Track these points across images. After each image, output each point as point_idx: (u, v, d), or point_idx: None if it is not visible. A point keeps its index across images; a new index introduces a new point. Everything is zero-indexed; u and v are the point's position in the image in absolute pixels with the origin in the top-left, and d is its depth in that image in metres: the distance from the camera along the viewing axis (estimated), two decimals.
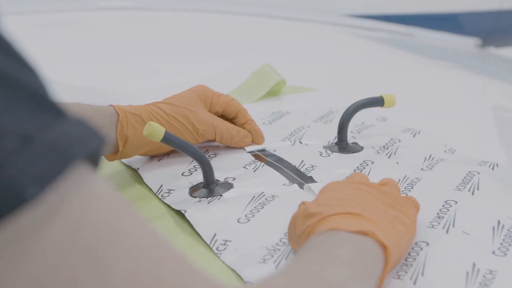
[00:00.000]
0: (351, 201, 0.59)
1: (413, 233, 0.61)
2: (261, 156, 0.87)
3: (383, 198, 0.61)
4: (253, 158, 0.86)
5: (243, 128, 0.89)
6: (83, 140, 0.34)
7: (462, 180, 0.77)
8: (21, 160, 0.31)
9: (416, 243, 0.63)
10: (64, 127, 0.34)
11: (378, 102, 0.90)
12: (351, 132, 0.92)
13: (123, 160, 0.87)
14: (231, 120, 0.89)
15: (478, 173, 0.79)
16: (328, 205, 0.59)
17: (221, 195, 0.75)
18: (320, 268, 0.50)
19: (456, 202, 0.71)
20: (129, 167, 0.86)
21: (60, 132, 0.33)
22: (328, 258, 0.51)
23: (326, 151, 0.88)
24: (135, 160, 0.87)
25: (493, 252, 0.62)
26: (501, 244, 0.63)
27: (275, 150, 0.89)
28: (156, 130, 0.72)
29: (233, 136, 0.86)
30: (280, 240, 0.65)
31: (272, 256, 0.63)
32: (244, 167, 0.83)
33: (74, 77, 1.25)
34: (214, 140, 0.87)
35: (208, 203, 0.74)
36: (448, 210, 0.70)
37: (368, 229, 0.54)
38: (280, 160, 0.86)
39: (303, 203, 0.64)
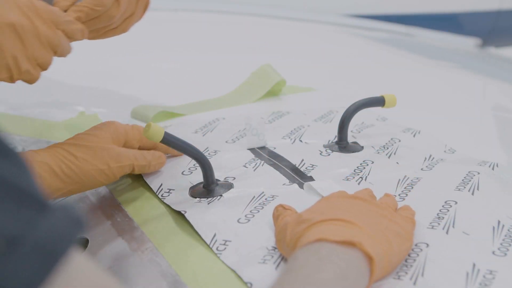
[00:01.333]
0: (343, 210, 0.59)
1: (408, 244, 0.61)
2: (261, 154, 0.87)
3: (378, 210, 0.61)
4: (253, 156, 0.86)
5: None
6: (68, 234, 0.34)
7: (462, 180, 0.77)
8: (9, 265, 0.31)
9: (416, 244, 0.63)
10: (49, 221, 0.33)
11: (379, 102, 0.90)
12: (351, 131, 0.92)
13: None
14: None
15: (478, 173, 0.79)
16: (319, 212, 0.59)
17: (221, 195, 0.75)
18: None
19: (456, 202, 0.71)
20: None
21: (45, 229, 0.33)
22: (312, 284, 0.51)
23: (326, 150, 0.88)
24: None
25: (493, 252, 0.62)
26: (501, 244, 0.63)
27: (275, 148, 0.89)
28: (156, 132, 0.71)
29: (150, 161, 0.80)
30: None
31: (272, 256, 0.63)
32: (244, 166, 0.83)
33: (74, 77, 1.25)
34: (132, 172, 0.80)
35: (208, 203, 0.74)
36: (448, 210, 0.70)
37: (355, 239, 0.54)
38: (280, 158, 0.86)
39: (281, 206, 0.65)
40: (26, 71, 0.70)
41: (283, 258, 0.62)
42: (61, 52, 0.74)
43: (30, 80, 0.74)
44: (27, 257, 0.31)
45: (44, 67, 0.73)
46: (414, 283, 0.58)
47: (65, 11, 0.77)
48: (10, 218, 0.32)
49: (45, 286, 0.32)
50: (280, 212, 0.65)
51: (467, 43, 2.21)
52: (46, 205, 0.34)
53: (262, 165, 0.84)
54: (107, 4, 0.78)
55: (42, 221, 0.33)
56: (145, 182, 0.81)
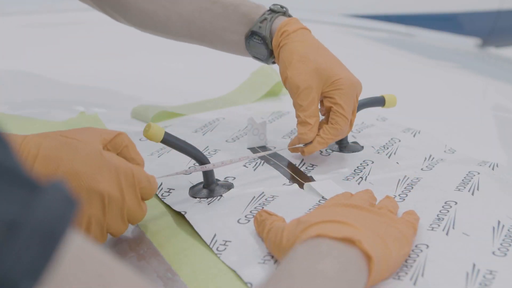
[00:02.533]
0: (342, 215, 0.59)
1: (407, 249, 0.60)
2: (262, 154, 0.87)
3: (376, 217, 0.61)
4: (253, 156, 0.86)
5: None
6: (64, 213, 0.33)
7: (462, 180, 0.77)
8: (11, 252, 0.30)
9: (416, 246, 0.63)
10: (43, 201, 0.32)
11: (379, 102, 0.90)
12: (351, 131, 0.92)
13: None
14: None
15: (478, 173, 0.79)
16: (318, 216, 0.59)
17: (221, 196, 0.75)
18: (303, 286, 0.50)
19: (456, 203, 0.71)
20: None
21: (41, 210, 0.32)
22: (312, 274, 0.51)
23: (326, 150, 0.88)
24: None
25: (493, 253, 0.62)
26: (501, 244, 0.63)
27: (275, 147, 0.89)
28: (156, 132, 0.71)
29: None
30: None
31: (272, 256, 0.63)
32: (244, 166, 0.83)
33: (74, 77, 1.25)
34: None
35: (208, 204, 0.74)
36: (448, 211, 0.70)
37: (354, 237, 0.54)
38: (280, 158, 0.86)
39: (265, 211, 0.66)
40: (93, 238, 0.64)
41: None
42: (137, 222, 0.68)
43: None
44: (28, 242, 0.31)
45: (114, 236, 0.66)
46: (414, 283, 0.57)
47: (311, 142, 0.82)
48: (4, 201, 0.31)
49: (49, 269, 0.31)
50: (265, 217, 0.66)
51: (467, 43, 2.21)
52: (37, 184, 0.33)
53: (262, 165, 0.84)
54: (347, 131, 0.84)
55: (36, 201, 0.32)
56: None
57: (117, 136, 0.66)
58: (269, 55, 0.88)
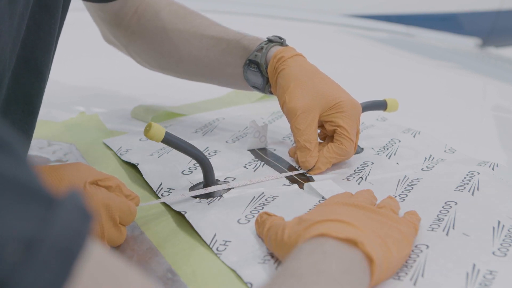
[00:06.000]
0: (343, 215, 0.59)
1: (408, 251, 0.60)
2: (262, 155, 0.87)
3: (378, 217, 0.61)
4: (253, 157, 0.86)
5: None
6: (81, 227, 0.33)
7: (462, 180, 0.77)
8: (29, 271, 0.29)
9: (416, 246, 0.63)
10: (60, 217, 0.32)
11: (381, 105, 0.90)
12: None
13: (122, 158, 0.87)
14: None
15: (478, 173, 0.79)
16: (320, 214, 0.59)
17: (221, 196, 0.75)
18: (307, 285, 0.50)
19: (456, 203, 0.71)
20: (127, 163, 0.86)
21: (58, 226, 0.31)
22: (316, 273, 0.51)
23: None
24: (134, 155, 0.87)
25: (493, 253, 0.62)
26: (501, 244, 0.63)
27: (275, 150, 0.89)
28: (156, 131, 0.71)
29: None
30: None
31: (272, 256, 0.63)
32: (244, 167, 0.83)
33: (74, 77, 1.25)
34: None
35: (208, 204, 0.74)
36: (448, 211, 0.70)
37: (357, 238, 0.54)
38: (280, 159, 0.86)
39: (265, 213, 0.66)
40: None
41: None
42: (116, 245, 0.69)
43: None
44: (46, 260, 0.30)
45: None
46: (414, 284, 0.58)
47: (314, 166, 0.81)
48: (22, 218, 0.30)
49: (69, 285, 0.31)
50: (265, 218, 0.66)
51: (467, 43, 2.21)
52: (53, 199, 0.32)
53: (262, 166, 0.84)
54: (351, 153, 0.83)
55: (53, 217, 0.31)
56: (145, 181, 0.81)
57: (108, 178, 0.68)
58: (265, 82, 0.88)
